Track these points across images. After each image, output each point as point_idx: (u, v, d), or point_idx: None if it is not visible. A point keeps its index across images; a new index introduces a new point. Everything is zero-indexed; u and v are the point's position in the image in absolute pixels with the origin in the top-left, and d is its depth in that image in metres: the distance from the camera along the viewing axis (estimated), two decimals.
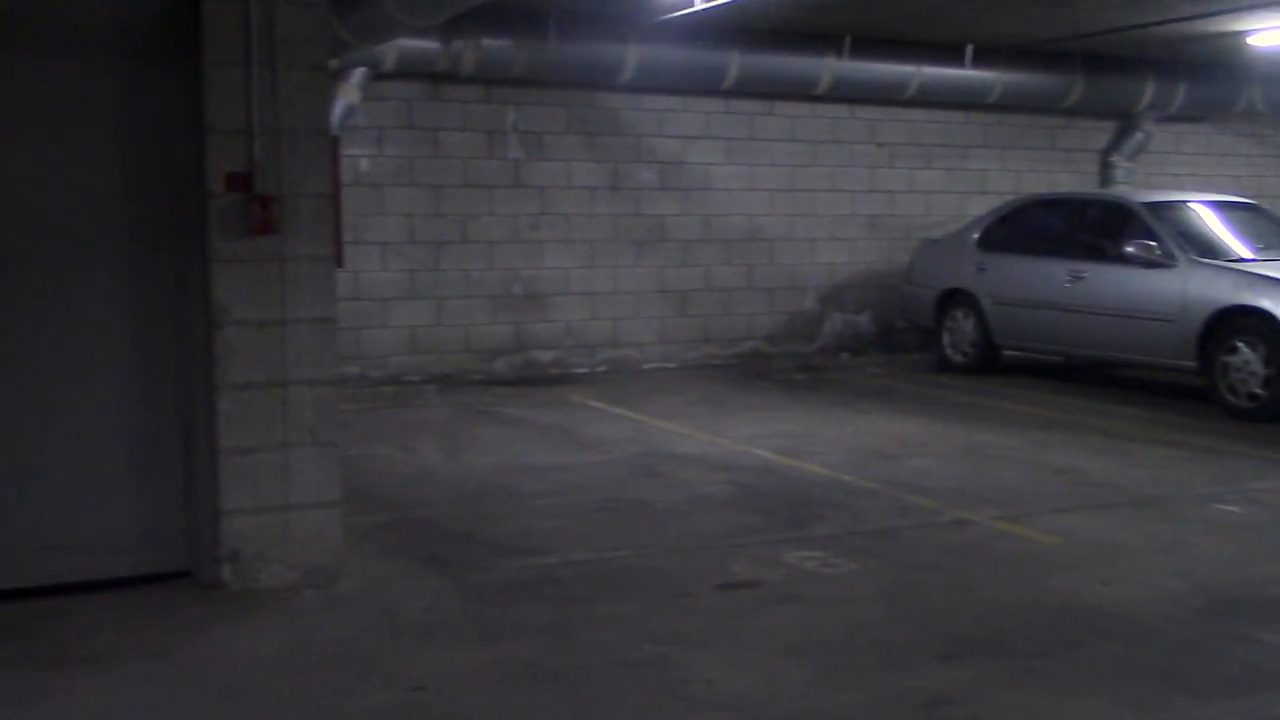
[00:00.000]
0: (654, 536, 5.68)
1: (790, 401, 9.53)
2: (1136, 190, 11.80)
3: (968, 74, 11.62)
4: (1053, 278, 10.02)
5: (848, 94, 11.57)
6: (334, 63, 8.86)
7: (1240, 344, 8.59)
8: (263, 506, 4.77)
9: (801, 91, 11.40)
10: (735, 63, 10.67)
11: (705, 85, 10.99)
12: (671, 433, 8.19)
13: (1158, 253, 9.23)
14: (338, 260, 5.03)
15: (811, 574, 5.10)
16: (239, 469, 4.73)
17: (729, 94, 11.31)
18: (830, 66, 11.06)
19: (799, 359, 11.85)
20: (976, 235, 10.98)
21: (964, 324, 10.87)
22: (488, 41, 9.80)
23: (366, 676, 3.97)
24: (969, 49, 11.46)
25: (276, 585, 4.78)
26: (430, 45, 9.66)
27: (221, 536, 4.73)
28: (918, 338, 12.07)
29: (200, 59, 4.61)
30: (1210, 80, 12.53)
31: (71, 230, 4.66)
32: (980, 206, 12.12)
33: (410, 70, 9.93)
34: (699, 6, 9.12)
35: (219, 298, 4.66)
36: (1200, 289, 8.92)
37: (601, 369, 11.16)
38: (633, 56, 10.26)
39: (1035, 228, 10.67)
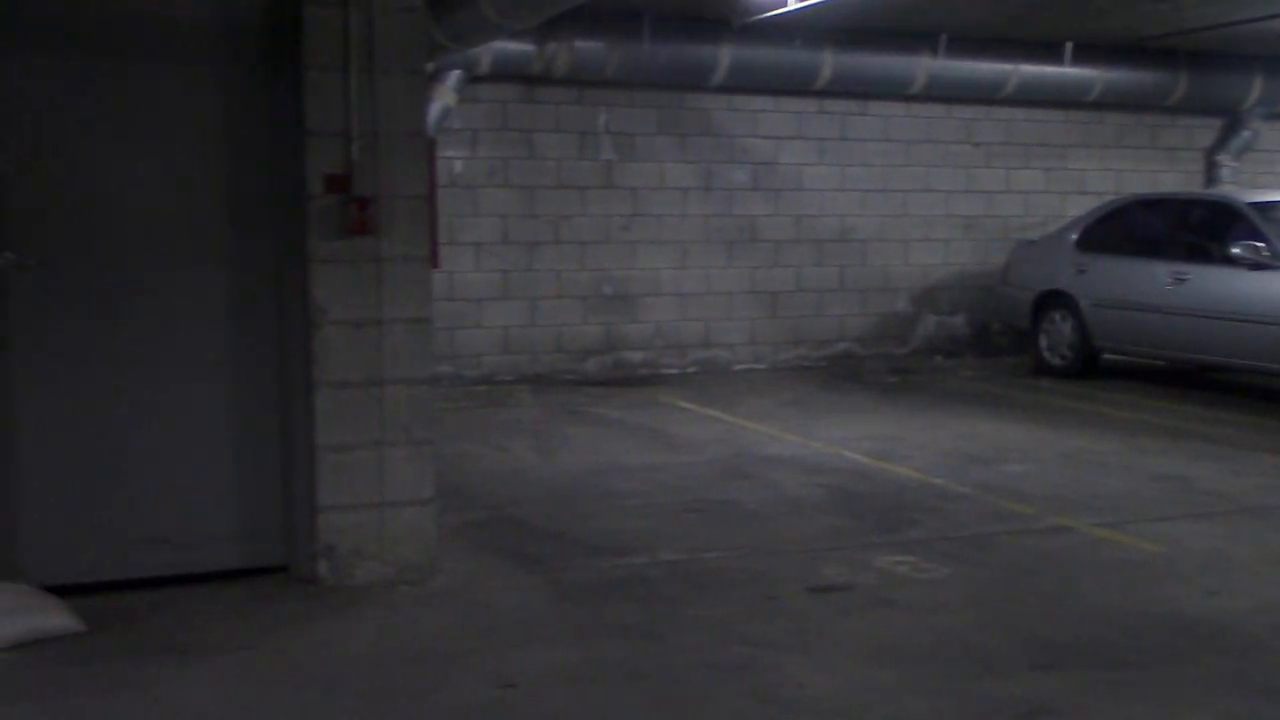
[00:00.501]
0: (744, 538, 5.66)
1: (882, 404, 9.43)
2: (1243, 189, 11.48)
3: (1067, 72, 11.40)
4: (1155, 279, 9.78)
5: (943, 93, 11.42)
6: (430, 66, 8.97)
7: None
8: (358, 503, 4.84)
9: (895, 91, 11.28)
10: (828, 62, 10.59)
11: (798, 85, 10.93)
12: (762, 434, 8.15)
13: (1265, 254, 8.95)
14: (433, 261, 5.09)
15: (904, 579, 5.04)
16: (335, 466, 4.80)
17: (822, 94, 11.23)
18: (925, 65, 10.93)
19: (891, 361, 11.72)
20: (1075, 236, 10.76)
21: (1062, 326, 10.66)
22: (581, 44, 9.85)
23: (458, 673, 4.01)
24: (1068, 46, 11.24)
25: (371, 581, 4.85)
26: (525, 48, 9.75)
27: (318, 532, 4.81)
28: (1013, 340, 11.87)
29: (301, 63, 4.70)
30: None
31: (178, 231, 4.78)
32: (1079, 207, 11.87)
33: (505, 73, 10.03)
34: (792, 6, 9.08)
35: (317, 298, 4.74)
36: None
37: (692, 370, 11.15)
38: (725, 57, 10.24)
39: (1137, 228, 10.42)
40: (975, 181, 12.12)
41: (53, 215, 4.62)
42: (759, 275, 11.41)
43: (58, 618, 4.26)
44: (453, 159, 10.22)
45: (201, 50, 4.77)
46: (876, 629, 4.48)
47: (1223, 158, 12.81)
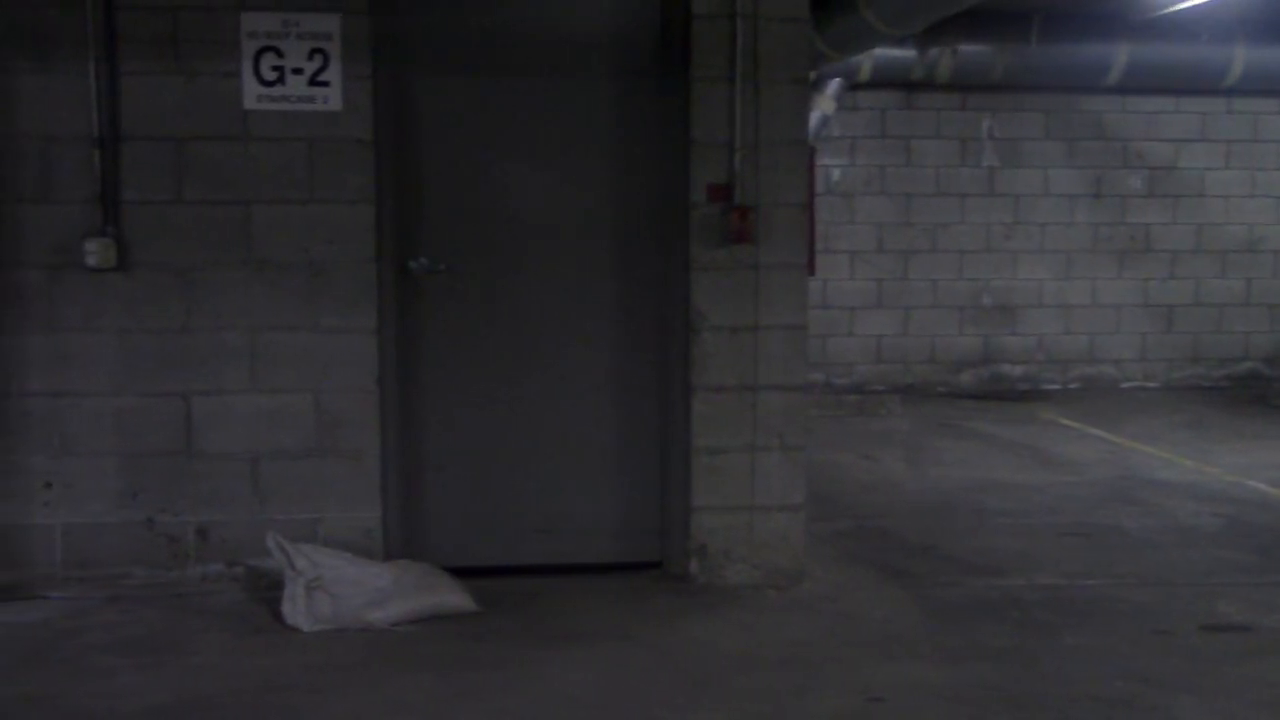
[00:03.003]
0: (1129, 566, 5.34)
1: None
2: None
3: None
4: None
5: None
6: (811, 74, 9.03)
7: None
8: (730, 505, 4.94)
9: None
10: (1239, 57, 9.78)
11: (1203, 84, 10.17)
12: (1151, 457, 7.66)
13: None
14: (809, 269, 5.12)
15: None
16: (709, 468, 4.92)
17: (1230, 92, 10.41)
18: None
19: None
20: None
21: None
22: (965, 48, 9.62)
23: (824, 681, 4.01)
24: None
25: (739, 582, 4.93)
26: (906, 54, 9.63)
27: (691, 531, 4.95)
28: None
29: (688, 75, 4.85)
30: None
31: (569, 237, 5.05)
32: None
33: (884, 79, 9.94)
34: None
35: (697, 303, 4.88)
36: None
37: (1074, 386, 10.65)
38: (1121, 56, 9.68)
39: None
40: None
41: (460, 223, 4.99)
42: (1152, 288, 10.75)
43: (456, 597, 4.60)
44: (830, 167, 10.25)
45: (597, 66, 5.01)
46: None
47: None
